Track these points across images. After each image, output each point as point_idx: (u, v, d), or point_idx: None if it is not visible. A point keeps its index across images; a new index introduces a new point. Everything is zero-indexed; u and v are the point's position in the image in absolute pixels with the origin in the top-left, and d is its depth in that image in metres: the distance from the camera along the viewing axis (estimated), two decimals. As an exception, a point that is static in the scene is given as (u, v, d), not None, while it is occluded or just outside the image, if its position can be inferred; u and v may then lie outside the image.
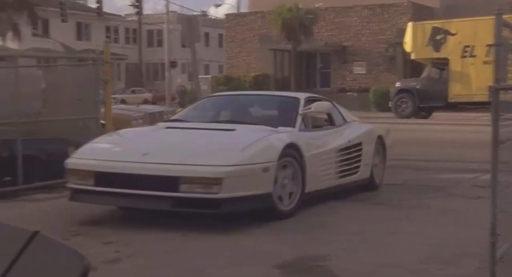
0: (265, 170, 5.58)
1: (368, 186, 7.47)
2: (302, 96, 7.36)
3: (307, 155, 6.18)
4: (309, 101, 7.09)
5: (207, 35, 49.41)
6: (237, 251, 4.77)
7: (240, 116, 7.13)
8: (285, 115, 7.00)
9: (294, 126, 6.60)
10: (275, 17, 30.71)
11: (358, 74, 32.22)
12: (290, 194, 5.94)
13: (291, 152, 6.01)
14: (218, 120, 7.05)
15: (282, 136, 6.16)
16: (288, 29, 30.37)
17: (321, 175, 6.51)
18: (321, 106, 6.96)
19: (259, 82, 31.61)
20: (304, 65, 34.00)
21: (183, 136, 6.39)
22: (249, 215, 5.67)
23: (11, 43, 24.49)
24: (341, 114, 7.66)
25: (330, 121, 7.37)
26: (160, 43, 51.78)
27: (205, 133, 6.37)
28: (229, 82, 31.53)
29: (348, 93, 30.78)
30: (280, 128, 6.43)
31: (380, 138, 7.84)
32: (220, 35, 48.79)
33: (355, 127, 7.62)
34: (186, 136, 6.39)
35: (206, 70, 49.31)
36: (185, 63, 45.35)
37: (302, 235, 5.34)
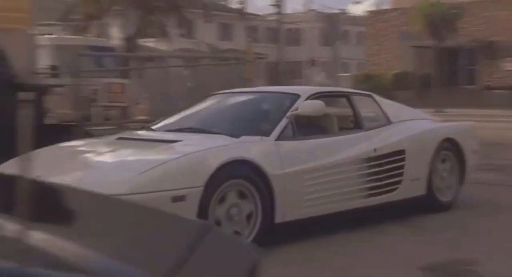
0: (178, 199, 4.18)
1: (429, 205, 5.86)
2: (305, 92, 5.62)
3: (277, 173, 4.68)
4: (319, 98, 5.48)
5: (346, 33, 49.08)
6: (384, 252, 4.72)
7: (208, 122, 5.71)
8: (261, 120, 5.54)
9: (268, 134, 5.01)
10: (417, 13, 29.88)
11: (509, 70, 30.56)
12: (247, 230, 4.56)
13: (243, 170, 4.57)
14: (182, 128, 5.53)
15: (227, 150, 4.69)
16: (430, 25, 29.44)
17: (315, 198, 4.96)
18: (308, 107, 5.25)
19: (399, 80, 30.93)
20: (447, 62, 32.76)
21: (104, 153, 5.15)
22: (394, 216, 5.58)
23: (160, 45, 25.78)
24: (384, 112, 6.04)
25: (356, 123, 5.81)
26: (299, 42, 52.18)
27: (141, 147, 5.08)
28: (368, 80, 31.12)
29: (495, 91, 29.32)
30: (244, 138, 4.91)
31: (450, 141, 6.12)
32: (359, 33, 48.30)
33: (399, 130, 5.92)
34: (109, 152, 5.14)
35: (345, 68, 49.01)
36: (324, 61, 45.36)
37: (448, 237, 5.16)
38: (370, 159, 5.45)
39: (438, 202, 5.97)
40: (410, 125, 6.13)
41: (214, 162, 4.44)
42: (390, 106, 6.32)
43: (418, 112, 6.79)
